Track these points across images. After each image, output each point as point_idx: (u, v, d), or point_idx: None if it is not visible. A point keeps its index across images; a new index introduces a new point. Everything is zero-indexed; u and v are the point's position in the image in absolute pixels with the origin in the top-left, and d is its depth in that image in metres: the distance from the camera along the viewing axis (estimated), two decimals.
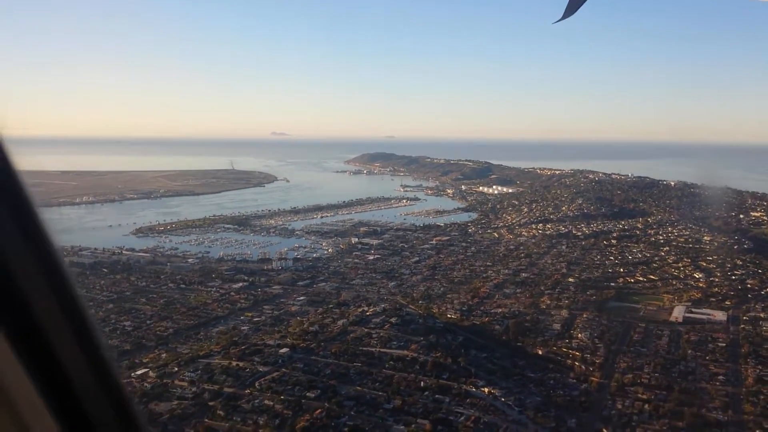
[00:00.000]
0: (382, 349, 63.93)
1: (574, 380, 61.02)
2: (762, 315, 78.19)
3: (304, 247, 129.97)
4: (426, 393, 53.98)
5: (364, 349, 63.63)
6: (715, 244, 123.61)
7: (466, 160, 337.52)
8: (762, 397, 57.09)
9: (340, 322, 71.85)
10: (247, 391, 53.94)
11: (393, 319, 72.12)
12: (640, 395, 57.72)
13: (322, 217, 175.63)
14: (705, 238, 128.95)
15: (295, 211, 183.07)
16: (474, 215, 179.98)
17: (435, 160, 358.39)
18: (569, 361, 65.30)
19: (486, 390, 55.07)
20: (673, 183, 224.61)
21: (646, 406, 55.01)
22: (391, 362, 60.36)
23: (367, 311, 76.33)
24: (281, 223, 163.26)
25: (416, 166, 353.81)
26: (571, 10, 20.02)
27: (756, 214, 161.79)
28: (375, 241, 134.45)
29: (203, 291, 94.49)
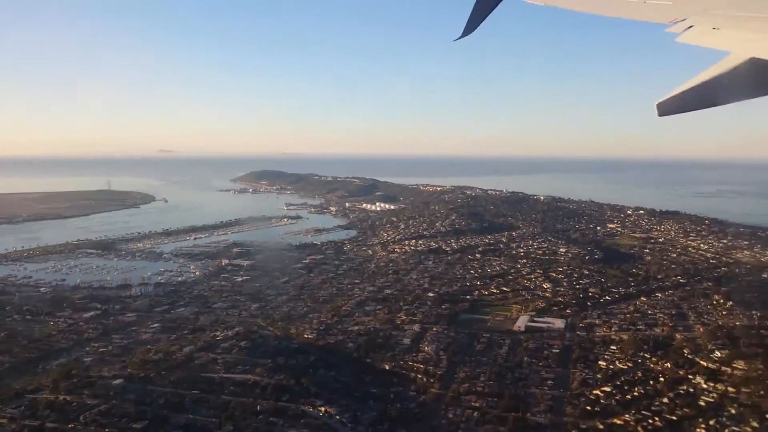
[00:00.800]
0: (225, 375, 63.15)
1: (414, 393, 63.08)
2: (597, 321, 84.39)
3: (170, 271, 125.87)
4: (261, 416, 53.89)
5: (206, 375, 62.60)
6: (569, 255, 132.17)
7: (353, 177, 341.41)
8: (583, 399, 61.49)
9: (186, 349, 70.29)
10: (71, 425, 51.50)
11: (243, 343, 71.51)
12: (473, 403, 60.57)
13: (195, 238, 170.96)
14: (561, 249, 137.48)
15: (167, 234, 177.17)
16: (353, 233, 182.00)
17: (323, 178, 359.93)
18: (413, 375, 67.45)
19: (323, 409, 55.77)
20: (542, 198, 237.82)
21: (475, 413, 57.76)
22: (232, 387, 59.78)
23: (218, 336, 75.11)
24: (150, 246, 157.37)
25: (304, 183, 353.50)
26: (470, 28, 21.52)
27: (612, 225, 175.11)
28: (246, 263, 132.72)
29: (50, 322, 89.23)
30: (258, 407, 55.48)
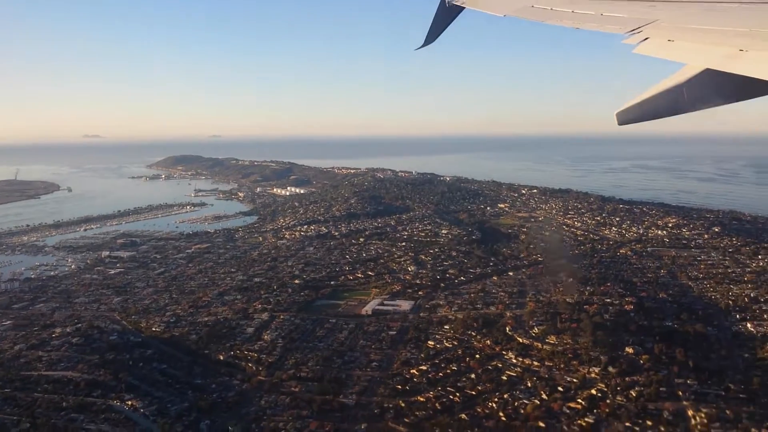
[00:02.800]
0: (45, 372, 63.56)
1: (239, 381, 65.13)
2: (442, 302, 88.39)
3: (46, 265, 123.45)
4: (63, 413, 54.78)
5: (25, 373, 62.87)
6: (449, 237, 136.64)
7: (271, 161, 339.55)
8: (398, 378, 64.97)
9: (17, 347, 70.05)
10: None
11: (75, 339, 71.80)
12: (292, 388, 63.13)
13: (85, 229, 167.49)
14: (443, 231, 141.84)
15: (57, 225, 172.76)
16: (252, 219, 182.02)
17: (240, 162, 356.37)
18: (244, 364, 69.47)
19: (129, 403, 57.09)
20: (448, 178, 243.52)
21: (288, 399, 60.35)
22: (46, 385, 60.32)
23: (55, 332, 74.99)
24: (35, 239, 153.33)
25: (220, 168, 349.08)
26: (431, 38, 21.84)
27: (502, 205, 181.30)
28: (127, 254, 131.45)
29: None
30: (64, 404, 56.36)
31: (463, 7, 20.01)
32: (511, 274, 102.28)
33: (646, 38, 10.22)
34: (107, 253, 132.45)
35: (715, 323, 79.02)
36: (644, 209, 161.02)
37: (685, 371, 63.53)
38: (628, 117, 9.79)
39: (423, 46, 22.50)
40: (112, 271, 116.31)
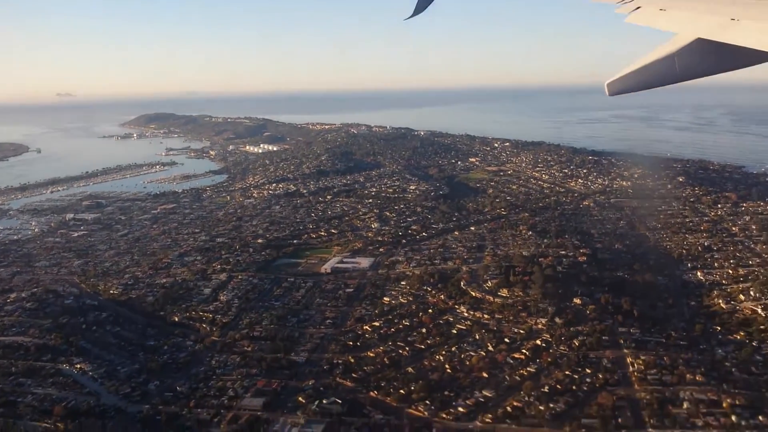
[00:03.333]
0: None
1: (192, 342, 65.71)
2: (401, 259, 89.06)
3: (9, 229, 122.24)
4: (12, 378, 55.15)
5: None
6: (417, 192, 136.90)
7: (245, 118, 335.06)
8: (350, 335, 65.91)
9: None
10: None
11: (29, 304, 71.74)
12: (245, 348, 63.87)
13: (52, 192, 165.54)
14: (411, 187, 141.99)
15: (23, 188, 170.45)
16: (221, 178, 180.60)
17: (214, 119, 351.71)
18: (199, 324, 69.98)
19: (79, 366, 57.57)
20: (422, 133, 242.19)
21: (238, 358, 61.10)
22: None
23: (9, 298, 74.84)
24: (0, 203, 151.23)
25: (194, 126, 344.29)
26: (421, 7, 22.12)
27: (473, 159, 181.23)
28: (92, 216, 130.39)
29: None
30: (13, 369, 56.69)
31: None
32: (472, 228, 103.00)
33: (638, 7, 10.24)
34: (72, 215, 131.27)
35: (666, 272, 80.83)
36: (613, 160, 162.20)
37: (630, 320, 65.16)
38: (618, 88, 9.57)
39: (413, 15, 22.79)
40: (76, 234, 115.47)
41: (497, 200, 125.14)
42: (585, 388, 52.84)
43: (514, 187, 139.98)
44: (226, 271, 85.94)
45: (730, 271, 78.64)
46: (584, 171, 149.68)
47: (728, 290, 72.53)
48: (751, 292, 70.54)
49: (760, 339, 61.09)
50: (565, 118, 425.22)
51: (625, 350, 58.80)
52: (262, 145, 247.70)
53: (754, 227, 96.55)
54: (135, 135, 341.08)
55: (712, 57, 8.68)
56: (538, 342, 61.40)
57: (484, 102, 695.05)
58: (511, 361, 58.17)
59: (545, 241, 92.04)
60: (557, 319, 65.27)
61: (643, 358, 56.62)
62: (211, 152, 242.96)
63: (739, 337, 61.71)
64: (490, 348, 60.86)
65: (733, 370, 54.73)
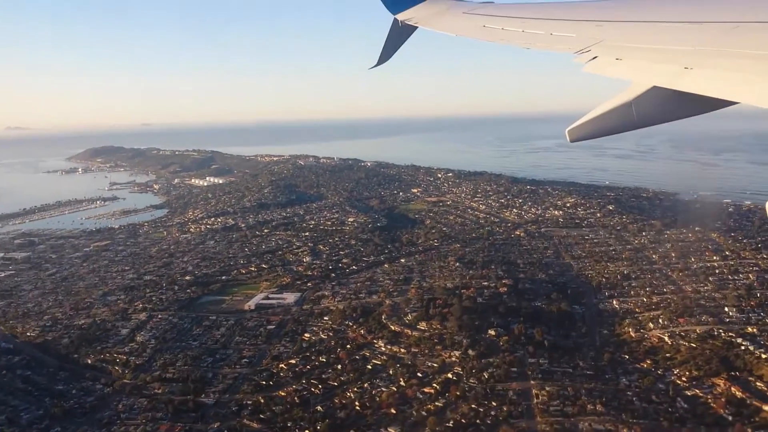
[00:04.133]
0: None
1: (102, 385, 64.14)
2: (327, 293, 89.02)
3: None
4: None
5: None
6: (355, 225, 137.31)
7: (193, 150, 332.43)
8: (265, 374, 65.31)
9: None
10: None
11: None
12: (155, 390, 62.62)
13: None
14: (350, 219, 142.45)
15: None
16: (162, 212, 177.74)
17: (162, 152, 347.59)
18: (111, 367, 68.41)
19: None
20: (369, 164, 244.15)
21: (145, 402, 59.87)
22: None
23: None
24: None
25: (141, 159, 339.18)
26: (385, 56, 22.52)
27: (415, 190, 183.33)
28: (22, 255, 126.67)
29: None
30: None
31: (416, 27, 20.91)
32: (402, 261, 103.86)
33: (595, 57, 10.47)
34: (1, 254, 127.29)
35: (583, 301, 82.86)
36: (549, 189, 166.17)
37: (541, 350, 66.51)
38: (579, 134, 9.86)
39: (377, 65, 23.25)
40: (3, 274, 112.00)
41: (433, 231, 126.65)
42: (489, 422, 53.46)
43: (451, 217, 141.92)
44: (147, 311, 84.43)
45: (645, 299, 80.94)
46: (520, 201, 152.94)
47: (639, 318, 74.63)
48: (660, 320, 72.74)
49: (665, 367, 62.93)
50: (514, 147, 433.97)
51: (532, 381, 59.83)
52: (208, 178, 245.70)
53: (673, 254, 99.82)
54: (80, 169, 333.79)
55: (669, 104, 9.00)
56: (450, 375, 61.96)
57: (442, 131, 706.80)
58: (421, 396, 58.50)
59: (470, 272, 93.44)
60: (470, 352, 66.11)
61: (548, 389, 57.74)
62: (155, 186, 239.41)
63: (645, 365, 63.50)
64: (402, 383, 61.08)
65: (634, 399, 56.24)
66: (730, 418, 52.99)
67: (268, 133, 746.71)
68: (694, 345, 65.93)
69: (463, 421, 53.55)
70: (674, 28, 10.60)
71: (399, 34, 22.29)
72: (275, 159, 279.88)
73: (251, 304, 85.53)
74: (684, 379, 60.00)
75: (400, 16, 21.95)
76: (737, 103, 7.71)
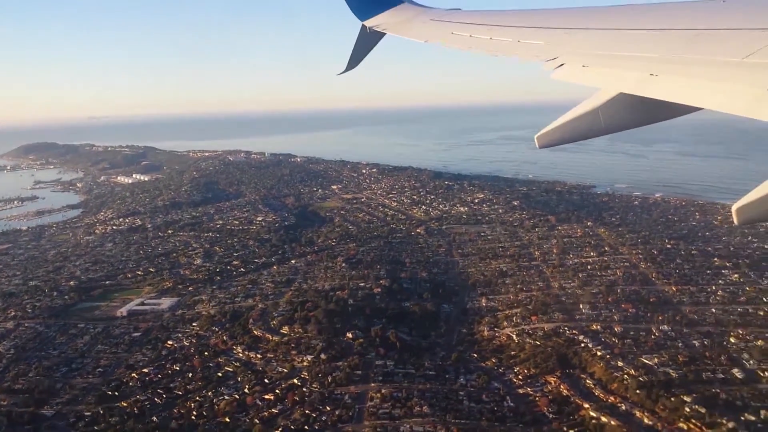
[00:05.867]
0: None
1: None
2: (204, 297, 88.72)
3: None
4: None
5: None
6: (263, 224, 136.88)
7: (126, 146, 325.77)
8: (114, 384, 64.82)
9: None
10: None
11: None
12: (1, 402, 61.62)
13: None
14: (259, 218, 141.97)
15: None
16: (76, 212, 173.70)
17: (95, 148, 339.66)
18: None
19: None
20: (299, 159, 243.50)
21: None
22: None
23: None
24: None
25: (73, 156, 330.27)
26: (354, 62, 22.59)
27: (335, 186, 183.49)
28: None
29: None
30: None
31: (384, 33, 20.95)
32: (293, 262, 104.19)
33: (563, 64, 10.54)
34: None
35: (454, 300, 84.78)
36: (465, 185, 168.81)
37: (392, 352, 67.81)
38: (547, 141, 9.97)
39: (345, 71, 23.33)
40: None
41: (337, 230, 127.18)
42: (317, 427, 54.46)
43: (361, 215, 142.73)
44: (16, 319, 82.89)
45: (511, 297, 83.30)
46: (432, 197, 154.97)
47: (498, 316, 76.78)
48: (515, 318, 74.99)
49: (506, 366, 65.06)
50: (458, 140, 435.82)
51: (372, 384, 61.03)
52: (134, 175, 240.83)
53: (554, 251, 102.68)
54: (9, 167, 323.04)
55: (635, 111, 9.21)
56: (295, 381, 62.64)
57: (398, 123, 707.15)
58: (260, 403, 59.09)
59: (353, 272, 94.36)
60: (322, 356, 67.01)
61: (383, 391, 59.02)
62: (78, 185, 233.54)
63: (488, 364, 65.52)
64: (246, 390, 61.58)
65: (464, 399, 57.97)
66: (551, 416, 55.19)
67: (218, 126, 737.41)
68: (539, 343, 68.22)
69: (292, 427, 54.40)
70: (640, 36, 10.79)
71: (367, 40, 22.48)
72: (207, 155, 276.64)
73: (123, 310, 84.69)
74: (520, 377, 62.20)
75: (368, 23, 22.13)
76: (701, 109, 7.90)
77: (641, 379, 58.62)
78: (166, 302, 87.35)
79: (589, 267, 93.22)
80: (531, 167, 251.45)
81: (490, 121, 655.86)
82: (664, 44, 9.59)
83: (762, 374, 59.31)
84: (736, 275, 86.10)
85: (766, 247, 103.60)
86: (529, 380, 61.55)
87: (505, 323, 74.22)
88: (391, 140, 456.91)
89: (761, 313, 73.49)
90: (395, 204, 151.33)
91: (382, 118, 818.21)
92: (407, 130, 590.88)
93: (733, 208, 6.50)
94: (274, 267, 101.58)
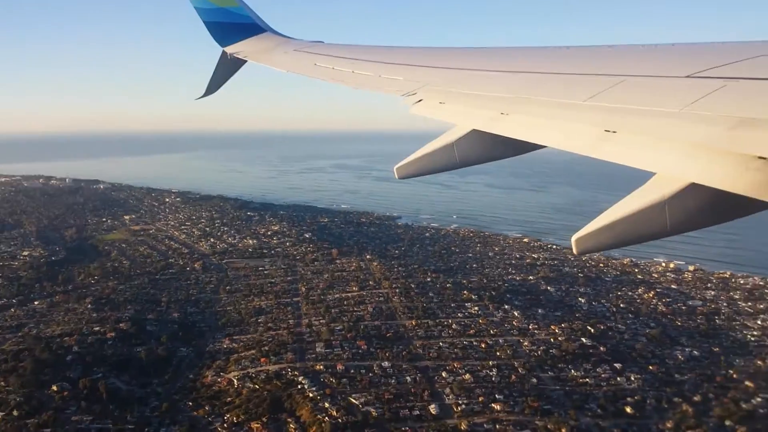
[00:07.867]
0: None
1: None
2: None
3: None
4: None
5: None
6: (28, 259, 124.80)
7: None
8: None
9: None
10: None
11: None
12: None
13: None
14: (24, 253, 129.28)
15: None
16: None
17: None
18: None
19: None
20: (102, 186, 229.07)
21: None
22: None
23: None
24: None
25: None
26: (213, 87, 22.46)
27: (127, 217, 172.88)
28: None
29: None
30: None
31: (245, 60, 20.86)
32: (36, 303, 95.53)
33: (421, 99, 10.94)
34: None
35: (195, 342, 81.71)
36: (267, 216, 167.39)
37: (97, 405, 63.29)
38: (406, 172, 9.92)
39: (204, 96, 22.58)
40: None
41: (108, 265, 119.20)
42: None
43: (142, 248, 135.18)
44: None
45: (255, 337, 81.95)
46: (225, 228, 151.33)
47: (231, 359, 74.92)
48: (244, 361, 73.55)
49: (218, 413, 63.02)
50: (290, 167, 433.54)
51: None
52: None
53: (320, 286, 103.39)
54: None
55: (487, 146, 9.48)
56: None
57: (241, 148, 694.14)
58: None
59: (94, 315, 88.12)
60: (15, 412, 60.95)
61: None
62: None
63: (201, 412, 63.11)
64: None
65: None
66: None
67: (32, 147, 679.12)
68: (257, 387, 67.13)
69: None
70: (494, 75, 11.34)
71: (228, 66, 22.03)
72: (3, 180, 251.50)
73: None
74: (226, 425, 60.54)
75: (229, 49, 21.79)
76: (545, 147, 8.22)
77: (340, 420, 59.38)
78: None
79: (345, 302, 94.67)
80: (351, 197, 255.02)
81: (338, 149, 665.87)
82: (516, 84, 10.29)
83: (455, 409, 62.65)
84: (476, 308, 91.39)
85: (517, 279, 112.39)
86: (234, 428, 60.08)
87: (233, 367, 72.43)
88: (228, 165, 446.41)
89: (483, 346, 78.18)
90: (183, 236, 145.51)
91: (235, 142, 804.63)
92: (250, 155, 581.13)
93: (573, 239, 6.63)
94: (12, 310, 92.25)
